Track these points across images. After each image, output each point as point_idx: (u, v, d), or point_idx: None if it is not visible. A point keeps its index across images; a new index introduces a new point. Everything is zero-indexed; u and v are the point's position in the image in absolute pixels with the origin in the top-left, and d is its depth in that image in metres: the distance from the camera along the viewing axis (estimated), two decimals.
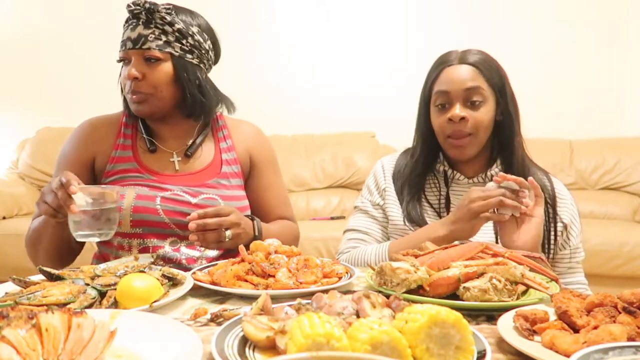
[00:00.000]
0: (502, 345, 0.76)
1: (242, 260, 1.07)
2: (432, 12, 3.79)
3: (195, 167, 1.43)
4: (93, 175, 1.40)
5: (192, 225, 1.17)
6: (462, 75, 1.29)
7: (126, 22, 1.34)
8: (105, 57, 3.81)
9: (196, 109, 1.39)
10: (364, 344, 0.59)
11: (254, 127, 1.58)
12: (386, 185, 1.44)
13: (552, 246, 1.34)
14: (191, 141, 1.44)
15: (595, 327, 0.73)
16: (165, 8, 1.31)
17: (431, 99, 1.35)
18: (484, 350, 0.67)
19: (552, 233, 1.34)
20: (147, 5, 1.30)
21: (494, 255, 1.03)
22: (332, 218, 3.39)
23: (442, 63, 1.33)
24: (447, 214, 1.36)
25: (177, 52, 1.33)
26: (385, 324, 0.62)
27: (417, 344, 0.63)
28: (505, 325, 0.78)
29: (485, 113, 1.30)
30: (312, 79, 3.86)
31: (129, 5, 1.31)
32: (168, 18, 1.31)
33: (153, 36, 1.30)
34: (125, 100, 1.41)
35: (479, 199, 1.17)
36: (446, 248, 1.10)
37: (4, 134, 3.88)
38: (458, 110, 1.28)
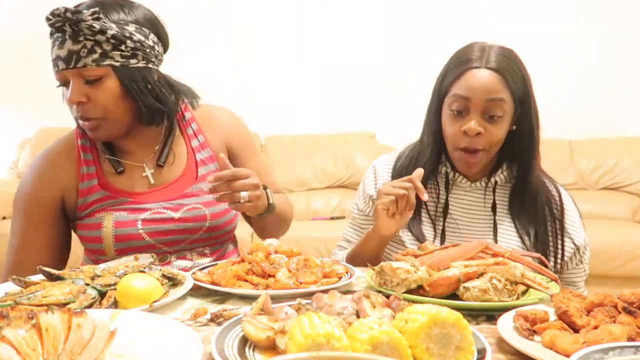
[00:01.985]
0: (502, 345, 0.76)
1: (242, 260, 1.07)
2: (432, 12, 3.79)
3: (171, 176, 1.30)
4: (64, 215, 1.29)
5: (210, 179, 1.12)
6: (487, 83, 1.17)
7: (51, 36, 1.16)
8: None
9: (156, 117, 1.24)
10: (364, 344, 0.59)
11: (225, 112, 1.43)
12: (374, 193, 1.36)
13: (558, 260, 1.28)
14: (159, 147, 1.30)
15: (595, 327, 0.73)
16: (91, 14, 1.11)
17: (446, 98, 1.24)
18: (484, 350, 0.67)
19: (560, 246, 1.28)
20: (68, 15, 1.10)
21: (494, 255, 1.03)
22: (332, 218, 3.39)
23: (465, 62, 1.21)
24: (444, 221, 1.31)
25: (117, 61, 1.15)
26: (385, 324, 0.62)
27: (417, 344, 0.63)
28: (505, 325, 0.78)
29: (502, 128, 1.21)
30: (312, 79, 3.86)
31: (48, 18, 1.12)
32: (97, 26, 1.11)
33: (85, 50, 1.12)
34: (77, 121, 1.25)
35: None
36: (446, 248, 1.10)
37: (4, 134, 3.88)
38: (474, 123, 1.18)
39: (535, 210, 1.28)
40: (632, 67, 3.70)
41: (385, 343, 0.60)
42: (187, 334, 0.72)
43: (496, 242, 1.28)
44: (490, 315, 0.90)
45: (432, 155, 1.31)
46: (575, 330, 0.75)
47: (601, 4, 3.71)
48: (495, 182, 1.32)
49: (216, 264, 1.10)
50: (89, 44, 1.12)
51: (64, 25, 1.11)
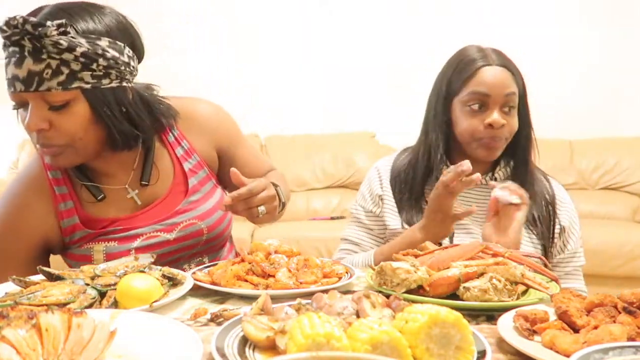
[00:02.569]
0: (502, 345, 0.76)
1: (242, 260, 1.07)
2: (435, 12, 3.79)
3: (158, 194, 1.20)
4: (47, 255, 1.18)
5: (227, 201, 1.04)
6: (502, 79, 1.26)
7: (4, 48, 0.98)
8: None
9: (130, 142, 1.10)
10: (364, 344, 0.59)
11: (209, 107, 1.30)
12: (383, 192, 1.38)
13: (551, 249, 1.33)
14: (139, 165, 1.18)
15: (595, 327, 0.73)
16: (56, 28, 0.93)
17: (458, 97, 1.29)
18: (484, 350, 0.67)
19: (550, 236, 1.33)
20: (28, 28, 0.91)
21: (494, 255, 1.03)
22: (332, 218, 3.39)
23: (471, 62, 1.27)
24: None
25: (87, 83, 0.99)
26: (385, 324, 0.62)
27: (417, 344, 0.63)
28: (505, 325, 0.78)
29: (517, 119, 1.30)
30: (314, 79, 3.86)
31: (2, 30, 0.94)
32: (64, 42, 0.94)
33: (50, 71, 0.95)
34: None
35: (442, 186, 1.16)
36: (446, 248, 1.10)
37: (4, 134, 3.88)
38: (498, 115, 1.25)
39: (534, 197, 1.32)
40: (633, 67, 3.70)
41: (385, 343, 0.60)
42: (187, 334, 0.72)
43: None
44: (490, 315, 0.90)
45: (441, 154, 1.33)
46: (575, 330, 0.75)
47: (604, 4, 3.71)
48: (495, 179, 1.35)
49: (216, 263, 1.10)
50: (53, 63, 0.95)
51: (22, 39, 0.93)
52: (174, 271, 1.02)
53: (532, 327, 0.76)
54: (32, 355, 0.56)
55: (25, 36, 0.93)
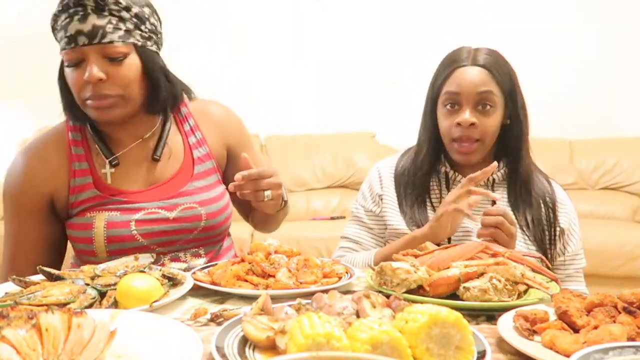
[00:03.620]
0: (502, 345, 0.76)
1: (242, 260, 1.07)
2: (429, 9, 3.79)
3: (166, 174, 1.26)
4: (54, 215, 1.23)
5: (238, 178, 1.09)
6: (475, 78, 1.27)
7: (63, 11, 1.10)
8: None
9: (168, 102, 1.24)
10: (364, 344, 0.59)
11: (221, 108, 1.40)
12: (383, 192, 1.39)
13: (552, 252, 1.32)
14: (154, 141, 1.26)
15: (595, 327, 0.73)
16: None
17: (439, 98, 1.32)
18: (484, 350, 0.67)
19: (551, 238, 1.32)
20: None
21: (494, 255, 1.03)
22: (332, 218, 3.39)
23: (454, 62, 1.30)
24: None
25: (138, 41, 1.14)
26: (385, 324, 0.62)
27: (417, 344, 0.63)
28: (505, 325, 0.78)
29: (495, 119, 1.28)
30: (312, 79, 3.86)
31: None
32: (123, 2, 1.10)
33: (111, 26, 1.09)
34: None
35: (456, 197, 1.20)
36: (446, 248, 1.10)
37: (4, 134, 3.88)
38: (468, 115, 1.25)
39: (529, 199, 1.33)
40: (631, 66, 3.70)
41: (385, 343, 0.60)
42: (187, 334, 0.72)
43: None
44: (490, 315, 0.90)
45: (428, 155, 1.37)
46: (575, 330, 0.75)
47: (601, 3, 3.70)
48: (494, 180, 1.35)
49: (216, 264, 1.10)
50: (113, 20, 1.09)
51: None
52: (174, 271, 1.02)
53: (532, 327, 0.76)
54: (32, 355, 0.56)
55: None
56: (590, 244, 2.73)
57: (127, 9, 1.11)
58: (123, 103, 1.15)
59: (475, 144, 1.28)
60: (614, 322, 0.74)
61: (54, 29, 1.15)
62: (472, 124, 1.26)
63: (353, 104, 3.86)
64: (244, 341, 0.72)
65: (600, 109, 3.73)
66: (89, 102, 1.13)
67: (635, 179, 3.45)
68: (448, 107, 1.29)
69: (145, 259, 1.06)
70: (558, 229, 1.33)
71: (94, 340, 0.62)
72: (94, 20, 1.08)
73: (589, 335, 0.70)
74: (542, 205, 1.34)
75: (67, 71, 1.14)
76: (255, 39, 3.84)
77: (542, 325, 0.76)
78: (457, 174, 1.36)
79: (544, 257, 1.10)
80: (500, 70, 1.28)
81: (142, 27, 1.14)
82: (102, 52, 1.10)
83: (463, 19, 3.73)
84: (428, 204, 1.36)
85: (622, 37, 3.71)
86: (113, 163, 1.22)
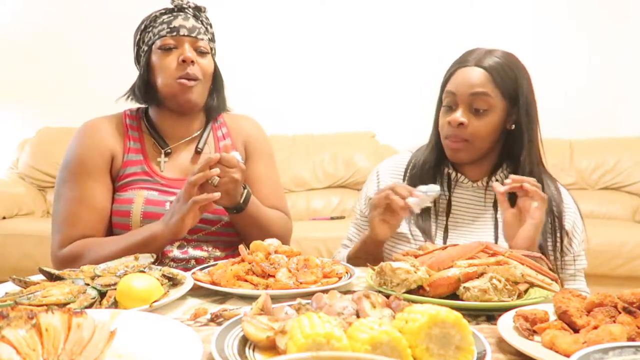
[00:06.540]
0: (502, 345, 0.76)
1: (242, 260, 1.07)
2: (433, 12, 3.79)
3: None
4: (112, 179, 1.38)
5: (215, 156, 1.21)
6: (471, 79, 1.25)
7: (166, 13, 1.37)
8: (105, 57, 3.82)
9: (220, 106, 1.47)
10: (364, 344, 0.59)
11: (252, 121, 1.58)
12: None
13: (557, 254, 1.31)
14: (198, 135, 1.45)
15: (595, 327, 0.73)
16: (205, 12, 1.43)
17: (443, 96, 1.33)
18: (484, 350, 0.67)
19: (554, 241, 1.31)
20: (193, 4, 1.40)
21: (494, 255, 1.03)
22: (332, 218, 3.39)
23: (459, 62, 1.31)
24: (446, 219, 1.35)
25: (212, 48, 1.42)
26: (385, 324, 0.62)
27: (417, 344, 0.63)
28: (505, 325, 0.78)
29: (489, 122, 1.26)
30: (312, 79, 3.86)
31: (177, 4, 1.38)
32: (209, 20, 1.43)
33: (203, 29, 1.38)
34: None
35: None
36: (446, 248, 1.10)
37: (4, 134, 3.88)
38: (459, 114, 1.25)
39: None
40: (631, 67, 3.70)
41: (385, 343, 0.60)
42: (187, 334, 0.72)
43: (498, 238, 1.31)
44: (490, 315, 0.90)
45: (433, 153, 1.37)
46: (575, 330, 0.75)
47: (600, 4, 3.70)
48: (496, 181, 1.33)
49: (216, 264, 1.10)
50: (203, 28, 1.39)
51: (187, 8, 1.38)
52: (174, 271, 1.02)
53: (532, 327, 0.76)
54: (32, 355, 0.56)
55: (190, 8, 1.39)
56: (590, 244, 2.73)
57: (210, 26, 1.43)
58: (199, 87, 1.35)
59: (461, 143, 1.27)
60: (614, 322, 0.74)
61: (148, 26, 1.38)
62: (461, 124, 1.25)
63: (353, 104, 3.86)
64: (244, 341, 0.72)
65: (600, 109, 3.73)
66: (180, 80, 1.33)
67: (635, 179, 3.44)
68: (446, 106, 1.30)
69: (145, 259, 1.06)
70: (565, 239, 1.31)
71: (94, 340, 0.61)
72: (193, 22, 1.37)
73: (589, 335, 0.70)
74: (548, 213, 1.29)
75: (160, 55, 1.35)
76: (254, 38, 3.84)
77: (542, 325, 0.76)
78: (459, 174, 1.37)
79: (544, 257, 1.10)
80: (503, 73, 1.26)
81: (213, 42, 1.44)
82: (195, 44, 1.36)
83: (463, 20, 3.73)
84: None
85: (622, 38, 3.71)
86: (165, 150, 1.40)
